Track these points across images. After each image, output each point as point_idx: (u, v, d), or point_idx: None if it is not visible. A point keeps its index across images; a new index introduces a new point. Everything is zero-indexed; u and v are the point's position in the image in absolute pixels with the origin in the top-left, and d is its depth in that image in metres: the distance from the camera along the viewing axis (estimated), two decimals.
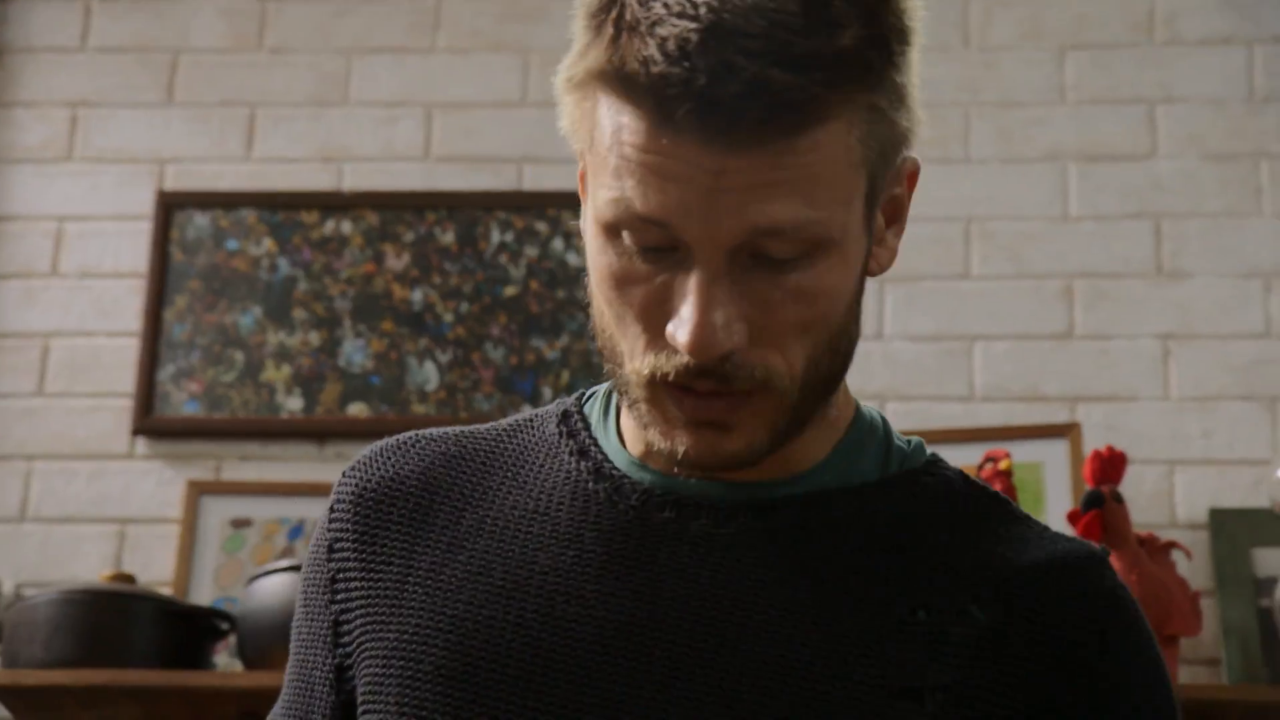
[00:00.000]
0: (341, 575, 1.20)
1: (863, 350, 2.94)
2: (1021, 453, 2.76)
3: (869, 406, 1.22)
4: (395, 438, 1.25)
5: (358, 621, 1.18)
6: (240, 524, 2.87)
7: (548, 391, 2.93)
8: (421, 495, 1.20)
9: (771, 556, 1.11)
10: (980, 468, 2.49)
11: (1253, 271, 2.92)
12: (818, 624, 1.09)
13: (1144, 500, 2.77)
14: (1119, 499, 2.50)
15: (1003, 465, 2.47)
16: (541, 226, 3.02)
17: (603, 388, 1.24)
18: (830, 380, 1.11)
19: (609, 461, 1.18)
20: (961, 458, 2.79)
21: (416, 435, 1.25)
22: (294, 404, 2.95)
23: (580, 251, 3.02)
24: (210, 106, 3.13)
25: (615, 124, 1.05)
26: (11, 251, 3.07)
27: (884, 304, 2.96)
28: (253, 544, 2.85)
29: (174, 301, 3.01)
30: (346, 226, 3.04)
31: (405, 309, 2.99)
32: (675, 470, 1.12)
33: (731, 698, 1.07)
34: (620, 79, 1.03)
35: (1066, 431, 2.79)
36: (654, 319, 1.07)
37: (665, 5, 1.02)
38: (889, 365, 2.93)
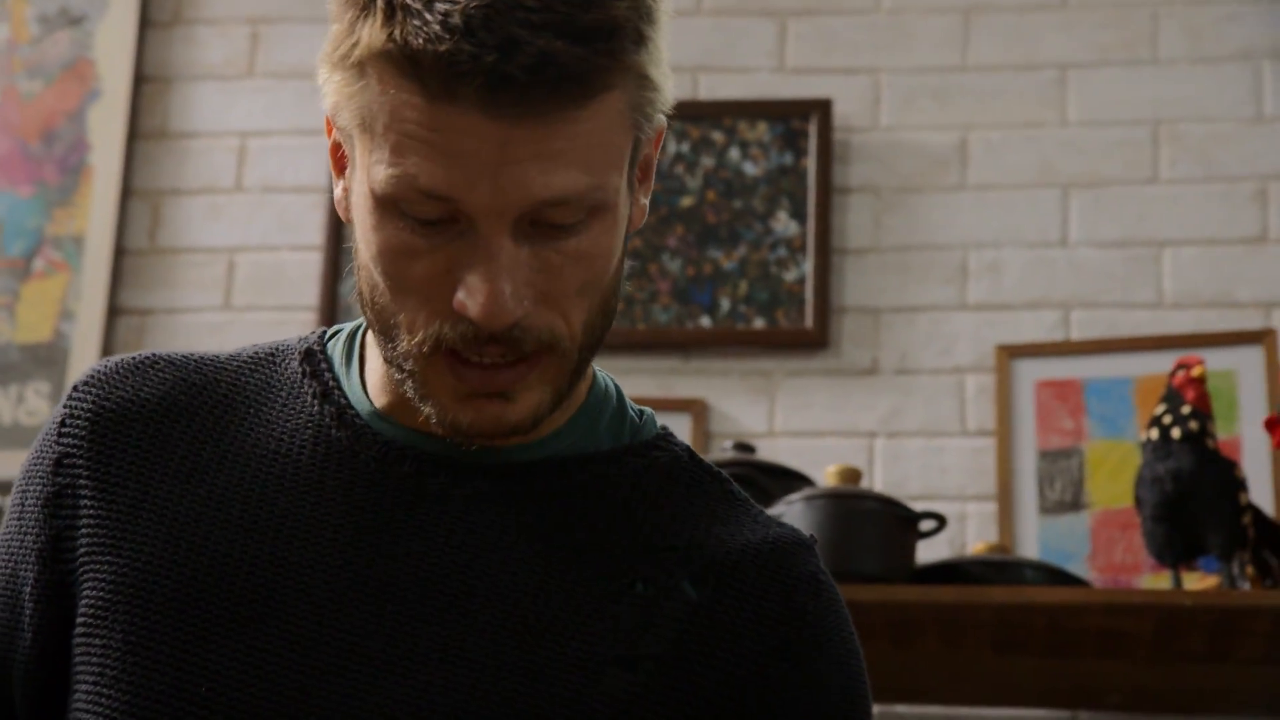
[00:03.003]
0: (69, 491, 1.18)
1: (1047, 258, 2.89)
2: (1214, 360, 2.70)
3: (603, 373, 1.24)
4: (132, 356, 1.24)
5: (84, 541, 1.17)
6: None
7: (725, 302, 2.91)
8: (161, 420, 1.19)
9: (506, 520, 1.14)
10: (1172, 375, 2.43)
11: None
12: (543, 590, 1.12)
13: None
14: None
15: (1195, 372, 2.41)
16: (717, 136, 3.00)
17: (346, 328, 1.25)
18: (600, 340, 1.14)
19: (352, 409, 1.19)
20: (1152, 366, 2.73)
21: (154, 357, 1.23)
22: None
23: (756, 161, 3.01)
24: None
25: (395, 102, 1.04)
26: (196, 168, 3.12)
27: (1069, 210, 2.90)
28: None
29: None
30: None
31: None
32: (443, 433, 1.13)
33: (455, 654, 1.10)
34: (403, 57, 1.03)
35: (1261, 338, 2.72)
36: (436, 290, 1.08)
37: None
38: (1075, 272, 2.87)
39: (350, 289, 2.99)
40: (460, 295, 1.06)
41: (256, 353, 1.24)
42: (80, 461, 1.19)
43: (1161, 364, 2.72)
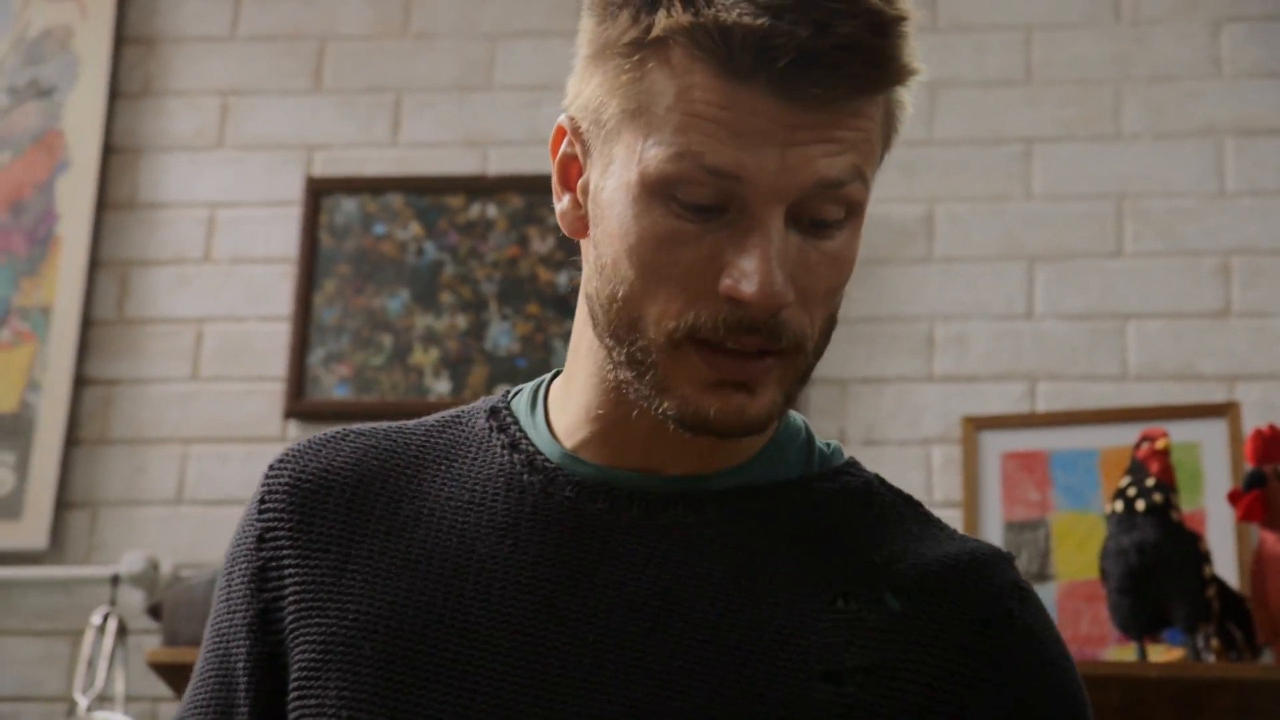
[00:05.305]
0: (274, 564, 1.21)
1: (1013, 330, 2.91)
2: (1178, 433, 2.71)
3: (791, 411, 1.25)
4: (324, 433, 1.27)
5: (291, 609, 1.19)
6: None
7: None
8: (356, 486, 1.22)
9: (701, 547, 1.15)
10: (1136, 447, 2.45)
11: None
12: (744, 612, 1.13)
13: None
14: None
15: (1160, 445, 2.42)
16: None
17: (527, 386, 1.27)
18: (820, 356, 1.16)
19: (540, 454, 1.21)
20: (1116, 438, 2.75)
21: (345, 430, 1.27)
22: (442, 387, 2.97)
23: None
24: (357, 93, 3.16)
25: (685, 82, 1.07)
26: (165, 238, 3.12)
27: (1034, 283, 2.92)
28: None
29: (323, 286, 3.04)
30: (492, 210, 3.05)
31: (550, 291, 3.00)
32: (683, 426, 1.13)
33: (660, 681, 1.10)
34: (710, 32, 1.06)
35: (1225, 411, 2.73)
36: (698, 278, 1.09)
37: None
38: (1040, 345, 2.88)
39: (318, 359, 3.00)
40: (730, 279, 1.08)
41: (442, 417, 1.27)
42: (282, 534, 1.21)
43: (1126, 436, 2.73)
